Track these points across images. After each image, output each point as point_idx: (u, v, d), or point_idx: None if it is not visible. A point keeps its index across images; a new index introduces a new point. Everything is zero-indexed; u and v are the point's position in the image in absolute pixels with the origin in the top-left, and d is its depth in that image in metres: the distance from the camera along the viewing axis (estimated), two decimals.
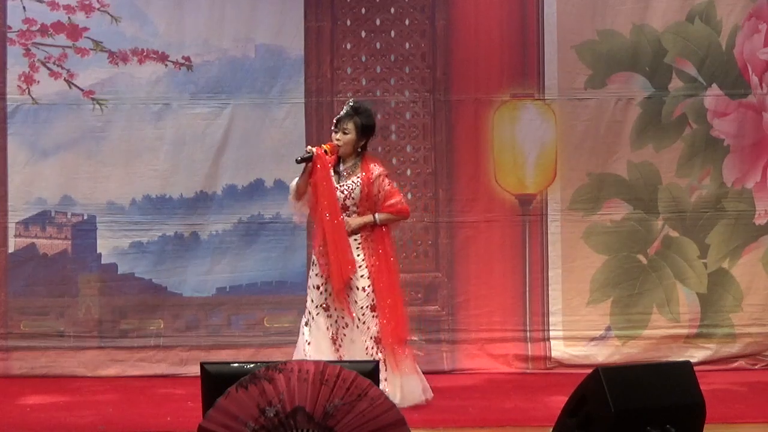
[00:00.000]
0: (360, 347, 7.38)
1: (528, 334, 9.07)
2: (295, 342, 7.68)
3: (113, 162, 8.99)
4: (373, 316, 7.42)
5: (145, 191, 9.00)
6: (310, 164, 7.41)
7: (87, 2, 8.96)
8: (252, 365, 4.47)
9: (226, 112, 9.01)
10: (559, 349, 9.04)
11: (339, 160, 7.52)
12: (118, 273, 9.00)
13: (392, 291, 7.49)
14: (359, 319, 7.40)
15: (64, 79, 8.96)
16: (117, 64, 8.97)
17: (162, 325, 9.02)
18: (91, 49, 8.96)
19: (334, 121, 7.57)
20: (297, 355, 7.48)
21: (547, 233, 9.09)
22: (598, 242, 9.11)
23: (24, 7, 8.94)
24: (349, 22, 9.11)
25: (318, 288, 7.53)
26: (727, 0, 9.07)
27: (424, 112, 9.10)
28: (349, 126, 7.46)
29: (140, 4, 8.99)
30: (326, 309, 7.46)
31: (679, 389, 5.07)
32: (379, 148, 9.06)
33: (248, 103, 9.01)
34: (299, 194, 7.51)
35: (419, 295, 9.09)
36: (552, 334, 9.05)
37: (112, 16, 8.97)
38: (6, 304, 8.96)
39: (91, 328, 8.99)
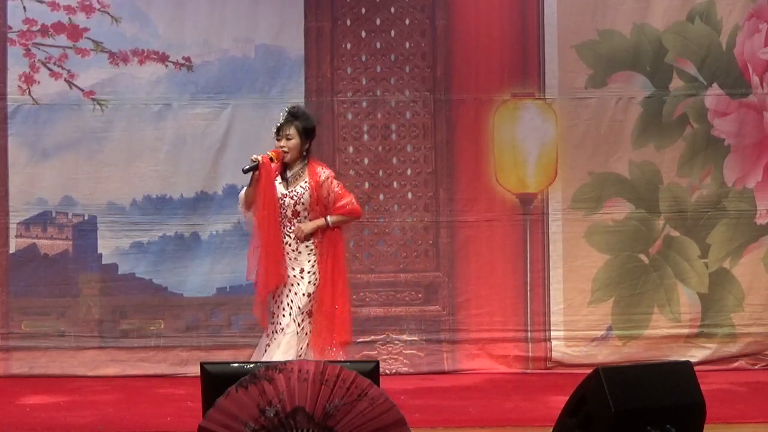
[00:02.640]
0: (293, 351, 7.32)
1: (529, 334, 9.06)
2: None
3: (114, 162, 9.00)
4: (309, 322, 7.36)
5: (146, 191, 9.00)
6: (257, 173, 7.36)
7: (87, 3, 8.96)
8: (252, 365, 4.48)
9: (226, 113, 9.01)
10: (560, 349, 9.04)
11: (285, 166, 7.45)
12: (119, 273, 9.00)
13: (341, 295, 7.44)
14: (295, 322, 7.33)
15: (65, 80, 8.96)
16: (117, 64, 8.97)
17: (162, 325, 9.02)
18: (92, 50, 8.96)
19: (275, 129, 7.47)
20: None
21: (548, 233, 9.08)
22: (600, 241, 9.10)
23: (24, 8, 8.94)
24: (349, 22, 9.10)
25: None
26: (728, 0, 9.07)
27: (424, 112, 9.09)
28: (291, 131, 7.37)
29: (141, 4, 8.99)
30: (271, 315, 7.44)
31: (679, 389, 5.07)
32: (380, 148, 9.06)
33: (248, 103, 9.01)
34: (248, 203, 7.45)
35: (419, 295, 9.09)
36: (553, 334, 9.05)
37: (112, 16, 8.97)
38: (7, 304, 8.96)
39: (91, 328, 9.00)
